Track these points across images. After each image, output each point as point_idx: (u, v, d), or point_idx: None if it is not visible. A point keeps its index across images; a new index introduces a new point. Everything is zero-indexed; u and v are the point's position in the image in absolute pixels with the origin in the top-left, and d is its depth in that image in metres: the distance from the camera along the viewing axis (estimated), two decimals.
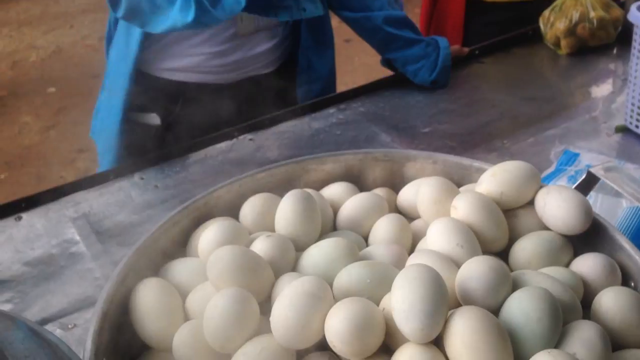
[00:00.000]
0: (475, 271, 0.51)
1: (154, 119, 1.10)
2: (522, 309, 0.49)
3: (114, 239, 0.88)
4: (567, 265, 0.59)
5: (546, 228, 0.61)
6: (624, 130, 1.00)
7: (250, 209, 0.67)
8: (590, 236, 0.59)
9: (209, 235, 0.61)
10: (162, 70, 1.12)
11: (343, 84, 1.44)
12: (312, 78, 1.22)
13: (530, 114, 1.09)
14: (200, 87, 1.13)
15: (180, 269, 0.62)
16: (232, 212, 0.69)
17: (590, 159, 0.87)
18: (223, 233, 0.61)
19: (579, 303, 0.53)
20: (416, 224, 0.67)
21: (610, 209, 0.77)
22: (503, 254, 0.61)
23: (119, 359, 0.56)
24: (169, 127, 1.12)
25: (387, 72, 1.24)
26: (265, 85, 1.14)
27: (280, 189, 0.69)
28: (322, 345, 0.52)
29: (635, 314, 0.52)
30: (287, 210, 0.63)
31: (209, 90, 1.13)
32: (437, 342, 0.50)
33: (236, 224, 0.64)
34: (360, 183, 0.74)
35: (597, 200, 0.79)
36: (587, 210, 0.58)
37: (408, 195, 0.70)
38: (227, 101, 1.09)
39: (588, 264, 0.57)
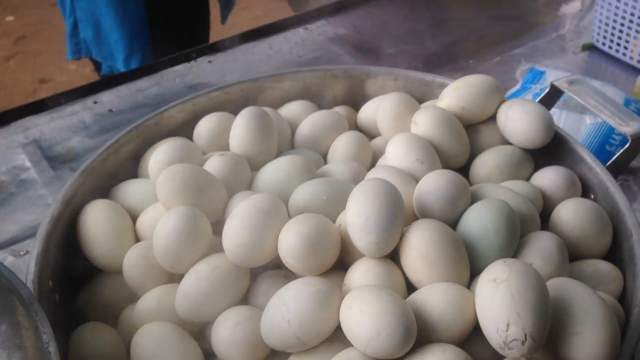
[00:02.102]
0: (432, 184, 0.50)
1: None
2: (479, 221, 0.48)
3: (67, 165, 0.84)
4: (528, 179, 0.58)
5: (508, 144, 0.60)
6: (590, 48, 0.98)
7: (204, 128, 0.65)
8: (551, 150, 0.58)
9: (159, 154, 0.58)
10: None
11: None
12: None
13: (498, 33, 1.06)
14: None
15: (131, 190, 0.60)
16: (186, 133, 0.66)
17: (556, 76, 0.84)
18: (174, 152, 0.58)
19: (537, 215, 0.52)
20: (376, 142, 0.65)
21: (574, 126, 0.76)
22: (465, 171, 0.60)
23: (67, 284, 0.55)
24: None
25: None
26: None
27: (236, 109, 0.65)
28: (280, 264, 0.51)
29: (594, 225, 0.51)
30: (241, 127, 0.60)
31: None
32: (394, 258, 0.49)
33: (188, 143, 0.62)
34: (319, 102, 0.71)
35: (561, 117, 0.77)
36: (549, 123, 0.56)
37: (368, 112, 0.67)
38: None
39: (548, 177, 0.56)
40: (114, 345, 0.51)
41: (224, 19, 1.27)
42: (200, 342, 0.50)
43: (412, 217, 0.51)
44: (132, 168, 0.64)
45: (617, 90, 0.81)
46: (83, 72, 2.22)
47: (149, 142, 0.64)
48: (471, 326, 0.43)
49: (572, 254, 0.50)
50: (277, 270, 0.52)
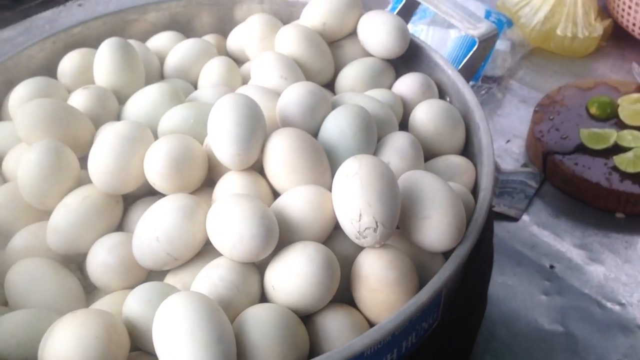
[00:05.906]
0: (292, 95, 0.51)
1: None
2: (337, 125, 0.49)
3: None
4: (391, 88, 0.60)
5: (370, 56, 0.62)
6: None
7: (67, 66, 0.63)
8: (409, 58, 0.61)
9: (18, 91, 0.57)
10: None
11: None
12: None
13: None
14: None
15: None
16: (50, 73, 0.64)
17: None
18: (34, 88, 0.57)
19: (395, 118, 0.54)
20: (246, 66, 0.66)
21: (441, 40, 0.80)
22: (332, 87, 0.61)
23: None
24: None
25: None
26: None
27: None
28: (153, 191, 0.51)
29: (446, 122, 0.54)
30: (104, 59, 0.59)
31: None
32: (261, 172, 0.50)
33: (49, 79, 0.60)
34: (188, 32, 0.70)
35: (428, 33, 0.80)
36: (404, 32, 0.59)
37: (237, 38, 0.68)
38: None
39: (406, 83, 0.58)
40: None
41: None
42: (80, 276, 0.50)
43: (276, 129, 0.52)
44: None
45: (480, 3, 0.85)
46: None
47: (9, 85, 0.62)
48: (331, 223, 0.45)
49: (429, 152, 0.54)
50: (151, 197, 0.53)
